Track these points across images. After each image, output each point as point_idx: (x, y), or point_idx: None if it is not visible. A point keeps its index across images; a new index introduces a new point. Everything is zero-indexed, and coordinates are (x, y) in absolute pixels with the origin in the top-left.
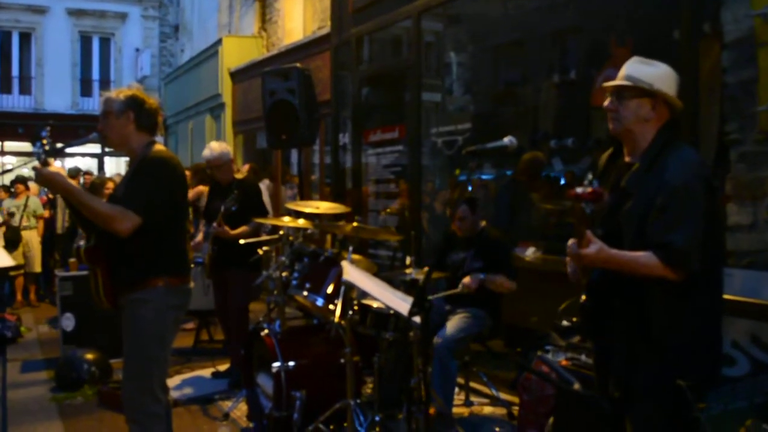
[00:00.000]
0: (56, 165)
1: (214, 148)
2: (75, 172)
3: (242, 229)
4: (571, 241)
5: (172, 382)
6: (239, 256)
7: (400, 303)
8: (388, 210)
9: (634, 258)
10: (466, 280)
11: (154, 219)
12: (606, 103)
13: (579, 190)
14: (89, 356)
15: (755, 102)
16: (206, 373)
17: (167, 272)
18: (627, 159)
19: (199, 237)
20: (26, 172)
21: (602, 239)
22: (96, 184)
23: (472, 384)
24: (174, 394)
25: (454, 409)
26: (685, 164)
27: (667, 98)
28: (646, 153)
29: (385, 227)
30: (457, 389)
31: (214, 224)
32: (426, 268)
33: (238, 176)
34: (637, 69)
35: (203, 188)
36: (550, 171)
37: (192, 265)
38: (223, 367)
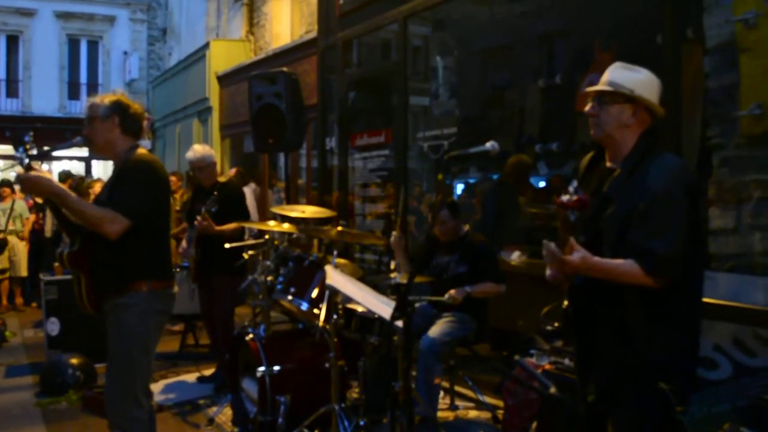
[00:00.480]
0: (44, 168)
1: (197, 150)
2: (65, 176)
3: (227, 225)
4: (551, 245)
5: (157, 386)
6: (224, 261)
7: (383, 307)
8: (372, 213)
9: (616, 266)
10: (452, 292)
11: (141, 223)
12: (587, 108)
13: (564, 198)
14: (74, 361)
15: (737, 106)
16: (191, 377)
17: (151, 276)
18: (608, 164)
19: (184, 243)
20: (12, 175)
21: (584, 245)
22: (80, 186)
23: (458, 388)
24: (159, 399)
25: (440, 413)
26: (666, 170)
27: (648, 104)
28: (628, 159)
29: (371, 231)
30: (442, 393)
31: (198, 219)
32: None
33: (222, 179)
34: (619, 74)
35: None
36: (537, 175)
37: (177, 270)
38: (208, 371)
